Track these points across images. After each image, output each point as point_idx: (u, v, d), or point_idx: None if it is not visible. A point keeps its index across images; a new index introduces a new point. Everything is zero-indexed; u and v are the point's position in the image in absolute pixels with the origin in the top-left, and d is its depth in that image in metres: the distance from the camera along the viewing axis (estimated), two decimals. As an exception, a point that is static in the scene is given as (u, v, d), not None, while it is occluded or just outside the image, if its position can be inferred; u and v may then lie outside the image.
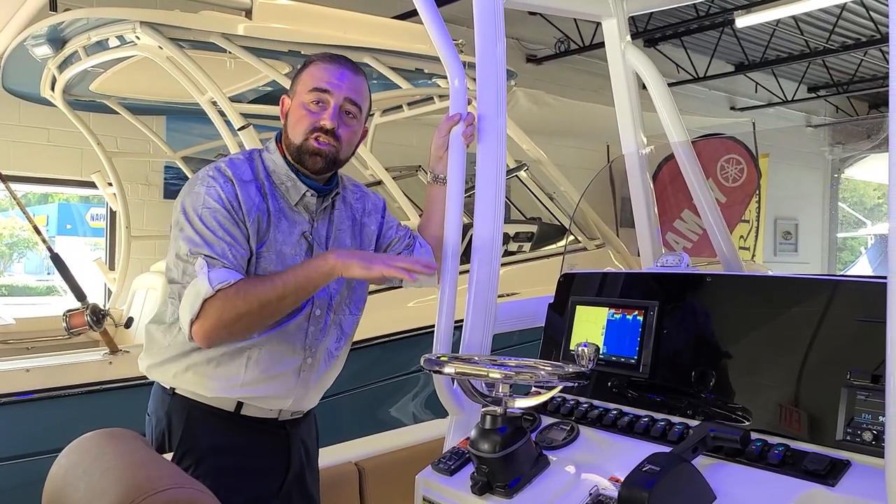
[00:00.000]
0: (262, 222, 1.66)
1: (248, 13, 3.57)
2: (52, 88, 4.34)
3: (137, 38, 3.42)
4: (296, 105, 1.72)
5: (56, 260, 3.52)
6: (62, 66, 4.02)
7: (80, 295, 3.35)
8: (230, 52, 3.58)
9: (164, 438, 1.71)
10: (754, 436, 1.38)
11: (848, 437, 1.31)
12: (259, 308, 1.57)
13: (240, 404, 1.71)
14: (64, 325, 3.31)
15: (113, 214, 6.39)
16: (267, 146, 1.78)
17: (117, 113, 4.94)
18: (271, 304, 1.59)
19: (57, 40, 3.77)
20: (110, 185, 4.88)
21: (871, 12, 9.19)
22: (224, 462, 1.69)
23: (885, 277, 1.07)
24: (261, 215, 1.66)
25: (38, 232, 3.73)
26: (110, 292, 4.95)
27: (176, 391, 1.71)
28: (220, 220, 1.60)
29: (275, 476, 1.77)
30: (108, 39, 3.58)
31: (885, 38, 9.12)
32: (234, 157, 1.76)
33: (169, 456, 1.66)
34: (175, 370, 1.69)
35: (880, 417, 1.26)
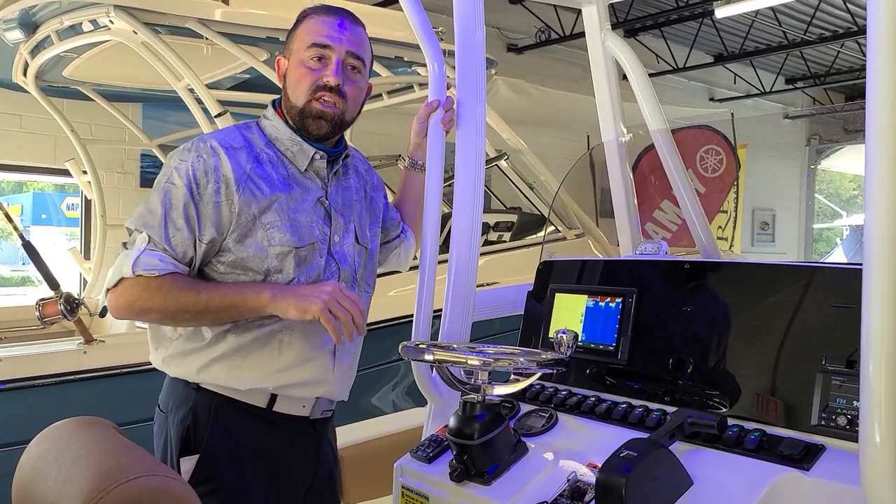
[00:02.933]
0: (258, 190, 1.53)
1: (226, -2, 3.53)
2: (25, 74, 4.26)
3: (111, 22, 3.37)
4: (294, 64, 1.61)
5: (29, 249, 3.47)
6: (34, 51, 3.94)
7: (53, 284, 3.31)
8: (207, 38, 3.53)
9: (188, 436, 1.56)
10: (731, 421, 1.39)
11: (823, 422, 1.32)
12: (175, 312, 1.50)
13: (273, 399, 1.59)
14: (37, 314, 3.26)
15: (88, 203, 6.31)
16: (265, 114, 1.67)
17: (92, 99, 4.86)
18: (187, 314, 1.51)
19: (29, 24, 3.71)
20: (85, 173, 4.81)
21: (848, 4, 9.29)
22: (255, 465, 1.57)
23: (860, 264, 1.07)
24: (253, 184, 1.53)
25: (10, 221, 3.67)
26: (86, 282, 4.88)
27: (201, 385, 1.57)
28: (178, 199, 1.50)
29: (303, 480, 1.66)
30: (81, 24, 3.52)
31: (861, 31, 9.22)
32: (225, 127, 1.66)
33: (193, 458, 1.54)
34: (199, 363, 1.56)
35: (854, 402, 1.27)
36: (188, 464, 1.54)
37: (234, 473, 1.55)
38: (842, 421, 1.30)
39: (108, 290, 1.51)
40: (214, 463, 1.55)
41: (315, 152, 1.63)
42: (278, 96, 1.69)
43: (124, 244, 1.54)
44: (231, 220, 1.52)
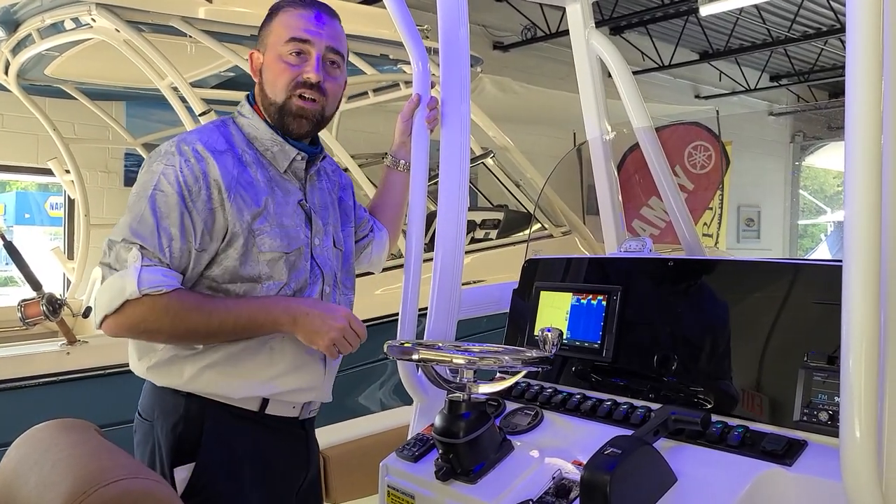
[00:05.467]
0: (248, 196, 1.49)
1: (209, -4, 3.50)
2: (6, 72, 4.21)
3: (93, 20, 3.33)
4: (271, 59, 1.55)
5: (10, 249, 3.43)
6: (15, 50, 3.90)
7: (35, 284, 3.27)
8: (191, 37, 3.50)
9: (180, 444, 1.50)
10: (715, 418, 1.40)
11: (805, 418, 1.33)
12: (183, 333, 1.45)
13: (265, 403, 1.56)
14: (19, 315, 3.22)
15: (71, 202, 6.25)
16: (239, 111, 1.61)
17: (74, 98, 4.81)
18: (196, 336, 1.46)
19: (9, 23, 3.66)
20: (68, 172, 4.76)
21: (831, 2, 9.35)
22: (251, 470, 1.54)
23: (840, 261, 1.08)
24: (242, 190, 1.48)
25: (-8, 220, 3.63)
26: (69, 282, 4.84)
27: (191, 393, 1.52)
28: (170, 207, 1.42)
29: (295, 481, 1.65)
30: (63, 22, 3.47)
31: (844, 28, 9.25)
32: (202, 126, 1.59)
33: (188, 467, 1.50)
34: (189, 371, 1.50)
35: (836, 398, 1.28)
36: (183, 473, 1.49)
37: (231, 479, 1.52)
38: (823, 417, 1.31)
39: (105, 316, 1.41)
40: (211, 470, 1.50)
41: (297, 153, 1.59)
42: (250, 92, 1.64)
43: (107, 265, 1.43)
44: (225, 227, 1.48)
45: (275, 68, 1.55)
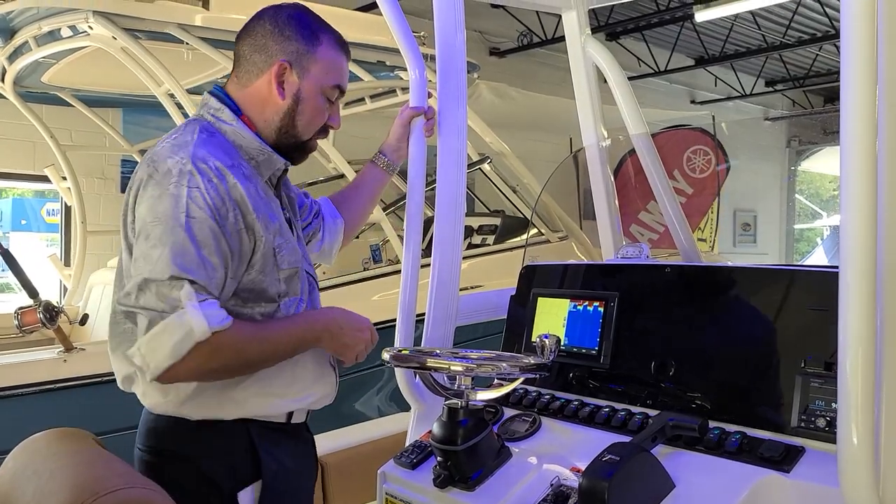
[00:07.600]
0: (266, 213, 1.42)
1: (206, 3, 3.51)
2: (3, 80, 4.21)
3: (90, 28, 3.34)
4: (313, 92, 1.51)
5: (6, 256, 3.42)
6: (12, 57, 3.90)
7: (32, 292, 3.26)
8: (187, 43, 3.51)
9: (235, 471, 1.44)
10: (712, 424, 1.40)
11: (802, 424, 1.33)
12: (243, 366, 1.40)
13: (290, 413, 1.53)
14: (16, 322, 3.21)
15: (68, 209, 6.25)
16: (216, 115, 1.47)
17: (71, 105, 4.81)
18: (254, 366, 1.42)
19: (6, 30, 3.67)
20: (64, 179, 4.76)
21: (825, 8, 9.40)
22: (296, 478, 1.54)
23: (836, 267, 1.09)
24: (264, 206, 1.43)
25: (-12, 227, 3.62)
26: (66, 289, 4.83)
27: (232, 420, 1.44)
28: (206, 234, 1.31)
29: (314, 480, 1.66)
30: (59, 29, 3.48)
31: (839, 34, 9.27)
32: (199, 140, 1.40)
33: (251, 488, 1.45)
34: (230, 397, 1.42)
35: (833, 404, 1.28)
36: (249, 495, 1.45)
37: (291, 486, 1.52)
38: (821, 423, 1.31)
39: (171, 365, 1.28)
40: (275, 484, 1.48)
41: (284, 163, 1.54)
42: (219, 89, 1.52)
43: (149, 309, 1.29)
44: (250, 249, 1.39)
45: (315, 106, 1.53)
